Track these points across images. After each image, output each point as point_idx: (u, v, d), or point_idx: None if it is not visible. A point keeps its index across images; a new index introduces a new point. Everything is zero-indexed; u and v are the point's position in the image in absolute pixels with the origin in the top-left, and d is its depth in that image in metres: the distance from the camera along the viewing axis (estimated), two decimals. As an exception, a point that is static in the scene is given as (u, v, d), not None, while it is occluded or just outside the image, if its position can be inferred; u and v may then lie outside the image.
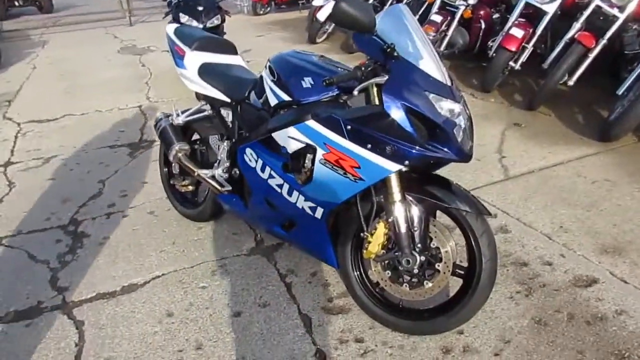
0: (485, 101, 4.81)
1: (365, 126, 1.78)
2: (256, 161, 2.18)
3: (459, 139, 1.77)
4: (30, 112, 5.13)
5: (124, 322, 2.22)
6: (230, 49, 2.74)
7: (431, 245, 1.93)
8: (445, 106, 1.76)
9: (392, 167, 1.77)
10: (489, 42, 5.19)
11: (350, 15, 1.64)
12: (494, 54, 4.78)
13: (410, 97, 1.73)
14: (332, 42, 7.52)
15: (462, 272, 1.96)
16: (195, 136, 2.85)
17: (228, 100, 2.47)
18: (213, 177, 2.54)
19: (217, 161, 2.56)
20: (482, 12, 5.19)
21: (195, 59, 2.59)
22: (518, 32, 4.51)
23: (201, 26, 4.98)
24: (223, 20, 5.12)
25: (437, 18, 5.06)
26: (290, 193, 2.07)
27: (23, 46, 8.57)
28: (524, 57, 4.67)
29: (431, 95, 1.74)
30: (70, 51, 7.97)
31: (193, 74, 2.58)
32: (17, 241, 2.88)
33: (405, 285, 1.97)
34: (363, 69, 1.80)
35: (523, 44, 4.58)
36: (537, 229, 2.75)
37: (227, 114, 2.53)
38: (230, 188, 2.47)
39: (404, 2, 5.92)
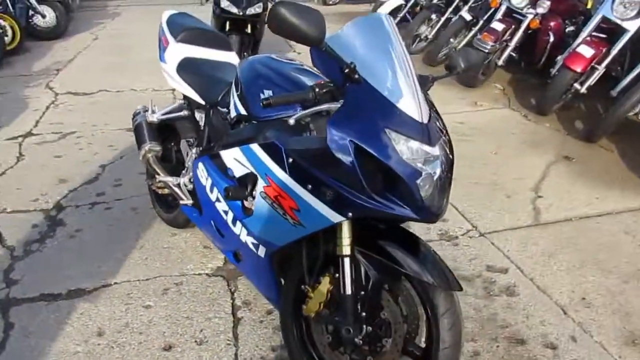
0: (538, 125, 4.21)
1: (306, 161, 1.43)
2: (206, 179, 1.89)
3: (425, 193, 1.37)
4: (71, 84, 5.16)
5: (52, 333, 2.03)
6: (224, 45, 2.44)
7: (382, 314, 1.55)
8: (411, 149, 1.36)
9: (334, 217, 1.42)
10: (558, 57, 4.56)
11: (289, 23, 1.28)
12: (557, 73, 4.18)
13: (363, 132, 1.35)
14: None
15: (418, 354, 1.57)
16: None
17: (203, 102, 2.19)
18: (179, 186, 2.28)
19: (186, 168, 2.29)
20: (552, 23, 4.56)
21: (177, 51, 2.33)
22: (587, 51, 3.87)
23: (241, 13, 4.72)
24: (265, 9, 4.85)
25: (499, 26, 4.48)
26: (234, 223, 1.77)
27: (95, 17, 8.77)
28: (592, 80, 4.02)
29: (393, 134, 1.35)
30: (134, 25, 8.04)
31: (172, 68, 2.31)
32: (-3, 220, 2.80)
33: (346, 357, 1.61)
34: (317, 90, 1.44)
35: (593, 64, 3.95)
36: (552, 296, 2.26)
37: (201, 118, 2.26)
38: (191, 201, 2.21)
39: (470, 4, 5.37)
